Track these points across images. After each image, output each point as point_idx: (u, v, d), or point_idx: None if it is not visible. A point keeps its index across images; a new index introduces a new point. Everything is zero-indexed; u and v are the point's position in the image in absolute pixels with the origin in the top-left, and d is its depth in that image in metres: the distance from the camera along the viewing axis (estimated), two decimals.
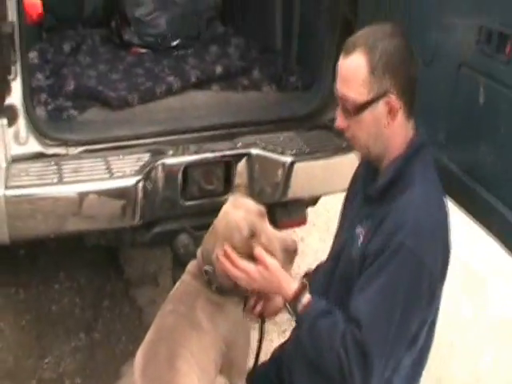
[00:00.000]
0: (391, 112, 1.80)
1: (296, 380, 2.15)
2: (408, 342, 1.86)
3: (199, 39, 3.89)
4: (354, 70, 1.78)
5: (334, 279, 2.02)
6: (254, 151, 2.79)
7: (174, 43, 3.79)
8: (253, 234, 1.98)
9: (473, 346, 3.41)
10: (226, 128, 2.90)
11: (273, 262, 1.93)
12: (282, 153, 2.83)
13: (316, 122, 3.06)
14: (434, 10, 2.13)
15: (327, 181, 2.93)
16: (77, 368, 3.05)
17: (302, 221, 3.07)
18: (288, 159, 2.82)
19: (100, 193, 2.50)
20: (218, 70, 3.27)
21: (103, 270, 3.71)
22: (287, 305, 1.93)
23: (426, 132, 1.94)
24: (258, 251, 1.95)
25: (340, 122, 1.87)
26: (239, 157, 2.77)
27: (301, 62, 3.42)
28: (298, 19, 3.41)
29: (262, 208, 2.06)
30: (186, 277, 2.20)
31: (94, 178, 2.52)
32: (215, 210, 2.85)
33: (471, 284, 3.84)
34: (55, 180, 2.48)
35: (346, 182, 2.17)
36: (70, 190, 2.47)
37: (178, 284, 2.21)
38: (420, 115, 1.91)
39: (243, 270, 1.94)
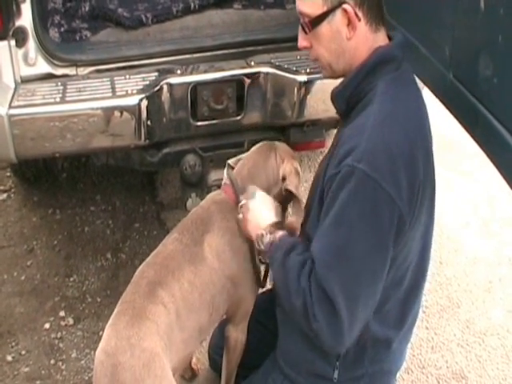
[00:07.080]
0: (350, 22, 1.69)
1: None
2: (380, 279, 1.69)
3: None
4: None
5: None
6: (267, 70, 2.69)
7: None
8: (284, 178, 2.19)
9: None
10: (240, 46, 2.80)
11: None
12: (297, 71, 2.71)
13: None
14: None
15: None
16: (99, 287, 3.12)
17: (319, 144, 2.94)
18: (303, 78, 2.70)
19: (102, 111, 2.48)
20: None
21: (139, 194, 3.75)
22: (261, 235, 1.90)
23: (433, 49, 1.83)
24: None
25: (301, 40, 1.81)
26: (251, 76, 2.69)
27: None
28: None
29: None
30: (204, 203, 2.15)
31: (96, 97, 2.50)
32: (227, 130, 2.83)
33: None
34: (57, 99, 2.48)
35: None
36: (71, 109, 2.47)
37: (193, 210, 2.16)
38: (425, 31, 1.83)
39: None
